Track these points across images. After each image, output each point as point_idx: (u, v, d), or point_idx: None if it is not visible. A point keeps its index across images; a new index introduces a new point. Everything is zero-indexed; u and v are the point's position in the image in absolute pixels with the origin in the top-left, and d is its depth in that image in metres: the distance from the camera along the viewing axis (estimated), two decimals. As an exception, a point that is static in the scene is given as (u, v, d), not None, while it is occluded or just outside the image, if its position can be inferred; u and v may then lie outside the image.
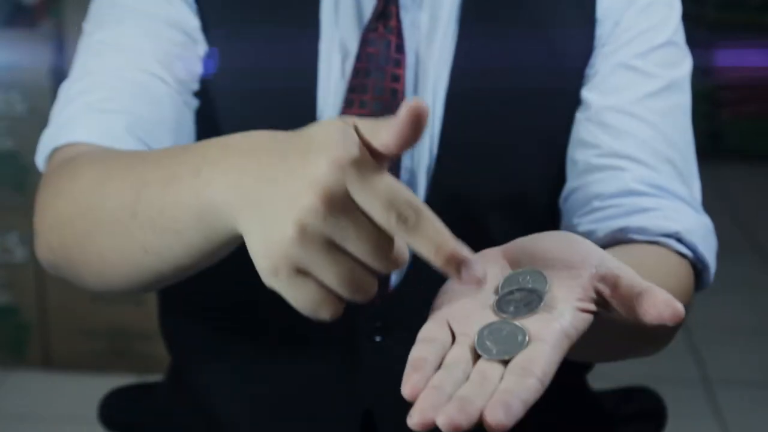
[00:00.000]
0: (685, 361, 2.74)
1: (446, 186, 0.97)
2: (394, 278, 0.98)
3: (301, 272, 0.62)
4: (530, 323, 0.63)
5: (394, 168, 0.96)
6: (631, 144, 0.96)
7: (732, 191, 3.97)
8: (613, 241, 0.93)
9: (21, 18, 2.57)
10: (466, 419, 0.57)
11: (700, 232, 0.94)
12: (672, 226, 0.92)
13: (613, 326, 0.76)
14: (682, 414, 1.53)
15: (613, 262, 0.66)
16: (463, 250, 0.61)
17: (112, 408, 1.18)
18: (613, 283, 0.65)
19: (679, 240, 0.93)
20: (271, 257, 0.62)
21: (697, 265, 0.94)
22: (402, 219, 0.60)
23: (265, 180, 0.63)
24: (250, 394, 1.04)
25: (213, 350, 1.06)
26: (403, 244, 0.62)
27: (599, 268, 0.65)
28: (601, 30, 0.99)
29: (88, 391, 1.69)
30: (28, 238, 2.49)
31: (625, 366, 2.04)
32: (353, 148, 0.61)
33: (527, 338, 0.62)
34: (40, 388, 2.51)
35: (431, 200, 0.97)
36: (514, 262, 0.67)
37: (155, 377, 1.23)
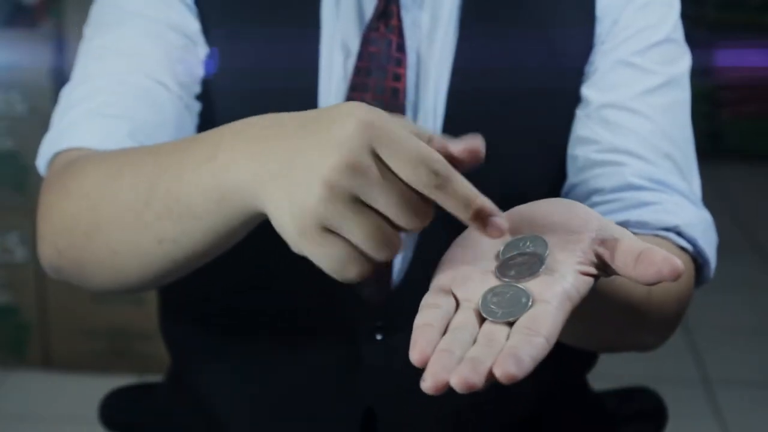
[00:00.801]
0: (685, 361, 2.74)
1: None
2: (396, 277, 0.98)
3: (329, 231, 0.63)
4: (533, 285, 0.64)
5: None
6: (631, 139, 0.97)
7: (732, 191, 3.98)
8: None
9: (21, 18, 2.57)
10: (479, 378, 0.58)
11: (700, 226, 0.94)
12: (672, 220, 0.93)
13: (612, 299, 0.76)
14: (682, 414, 1.53)
15: (612, 226, 0.67)
16: (489, 204, 0.64)
17: (112, 408, 1.18)
18: (613, 246, 0.66)
19: (679, 234, 0.93)
20: (299, 218, 0.63)
21: (697, 259, 0.95)
22: (431, 176, 0.62)
23: (289, 152, 0.65)
24: (251, 393, 1.04)
25: (213, 350, 1.06)
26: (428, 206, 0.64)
27: (599, 233, 0.66)
28: (601, 28, 0.99)
29: (88, 391, 1.70)
30: (28, 238, 2.49)
31: (625, 366, 2.04)
32: (380, 112, 0.63)
33: (531, 300, 0.62)
34: (40, 388, 2.51)
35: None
36: (514, 230, 0.68)
37: (155, 377, 1.23)
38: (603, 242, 0.66)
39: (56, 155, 0.92)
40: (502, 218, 0.64)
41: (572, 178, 0.99)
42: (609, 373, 1.45)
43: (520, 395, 1.05)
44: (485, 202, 0.64)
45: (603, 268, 0.66)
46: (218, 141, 0.71)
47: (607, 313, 0.79)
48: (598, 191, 0.96)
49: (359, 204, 0.63)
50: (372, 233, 0.63)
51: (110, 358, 2.54)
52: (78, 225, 0.82)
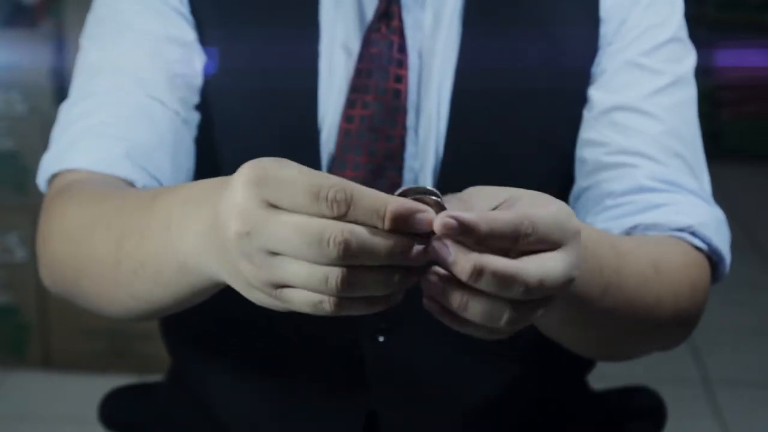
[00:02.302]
0: (685, 361, 2.74)
1: (453, 188, 0.97)
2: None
3: (278, 285, 0.63)
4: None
5: (398, 170, 0.96)
6: (640, 140, 0.97)
7: (732, 191, 3.97)
8: None
9: (21, 18, 2.57)
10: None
11: (713, 224, 0.95)
12: (685, 221, 0.93)
13: (617, 306, 0.76)
14: (682, 414, 1.53)
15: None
16: (405, 203, 0.61)
17: (112, 408, 1.18)
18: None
19: (693, 234, 0.93)
20: (247, 285, 0.65)
21: (712, 257, 0.95)
22: (334, 202, 0.60)
23: (212, 222, 0.65)
24: (252, 395, 1.04)
25: (214, 351, 1.06)
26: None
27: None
28: (606, 29, 0.99)
29: (88, 391, 1.69)
30: (28, 238, 2.49)
31: (625, 366, 2.04)
32: (268, 162, 0.62)
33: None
34: (40, 388, 2.51)
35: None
36: None
37: (155, 377, 1.23)
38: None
39: (55, 175, 0.94)
40: (425, 214, 0.61)
41: (582, 180, 0.99)
42: (609, 373, 1.45)
43: (521, 396, 1.05)
44: (399, 206, 0.60)
45: None
46: (170, 209, 0.72)
47: (615, 319, 0.79)
48: (609, 194, 0.96)
49: (274, 256, 0.61)
50: (305, 275, 0.61)
51: (110, 358, 2.54)
52: (65, 266, 0.87)
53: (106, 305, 0.85)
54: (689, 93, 1.01)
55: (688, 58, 1.02)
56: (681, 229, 0.93)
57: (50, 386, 2.52)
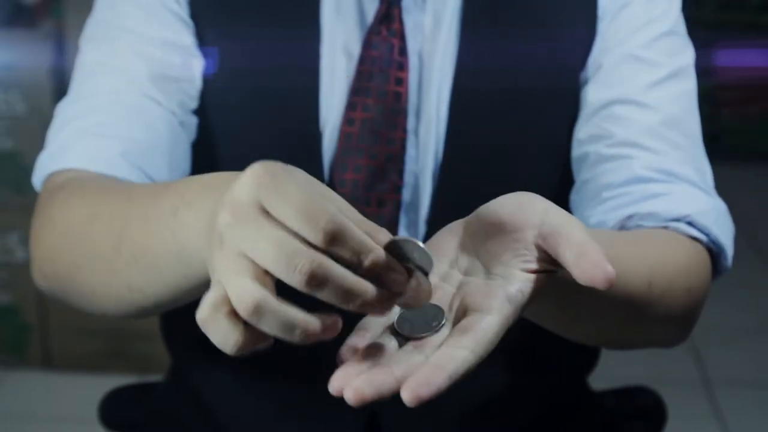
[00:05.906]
0: (685, 361, 2.74)
1: (453, 190, 0.97)
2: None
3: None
4: (475, 290, 0.63)
5: (399, 173, 0.96)
6: (639, 131, 0.96)
7: (732, 191, 3.96)
8: (623, 229, 0.93)
9: (21, 18, 2.57)
10: (374, 391, 0.59)
11: (712, 214, 0.92)
12: (682, 210, 0.91)
13: (601, 291, 0.75)
14: (682, 414, 1.54)
15: (558, 218, 0.63)
16: (388, 258, 0.60)
17: (112, 408, 1.18)
18: (556, 240, 0.62)
19: (690, 223, 0.91)
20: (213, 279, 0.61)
21: (712, 248, 0.92)
22: (322, 232, 0.57)
23: (214, 208, 0.63)
24: (252, 396, 1.04)
25: (214, 351, 1.06)
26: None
27: (542, 227, 0.63)
28: (603, 25, 0.99)
29: (88, 391, 1.69)
30: (28, 238, 2.49)
31: (625, 366, 2.04)
32: (279, 169, 0.59)
33: (441, 323, 0.62)
34: (40, 388, 2.51)
35: (437, 205, 0.97)
36: (470, 233, 0.67)
37: (155, 377, 1.23)
38: (545, 237, 0.63)
39: (51, 175, 0.93)
40: (402, 274, 0.60)
41: (584, 174, 0.98)
42: (609, 373, 1.45)
43: (521, 397, 1.05)
44: (378, 256, 0.59)
45: (552, 262, 0.63)
46: (183, 193, 0.70)
47: (601, 305, 0.77)
48: (607, 186, 0.95)
49: (244, 257, 0.59)
50: (243, 291, 0.59)
51: (110, 358, 2.54)
52: (60, 261, 0.84)
53: (99, 299, 0.82)
54: (688, 85, 1.00)
55: (686, 52, 1.01)
56: (677, 219, 0.91)
57: (50, 386, 2.52)
